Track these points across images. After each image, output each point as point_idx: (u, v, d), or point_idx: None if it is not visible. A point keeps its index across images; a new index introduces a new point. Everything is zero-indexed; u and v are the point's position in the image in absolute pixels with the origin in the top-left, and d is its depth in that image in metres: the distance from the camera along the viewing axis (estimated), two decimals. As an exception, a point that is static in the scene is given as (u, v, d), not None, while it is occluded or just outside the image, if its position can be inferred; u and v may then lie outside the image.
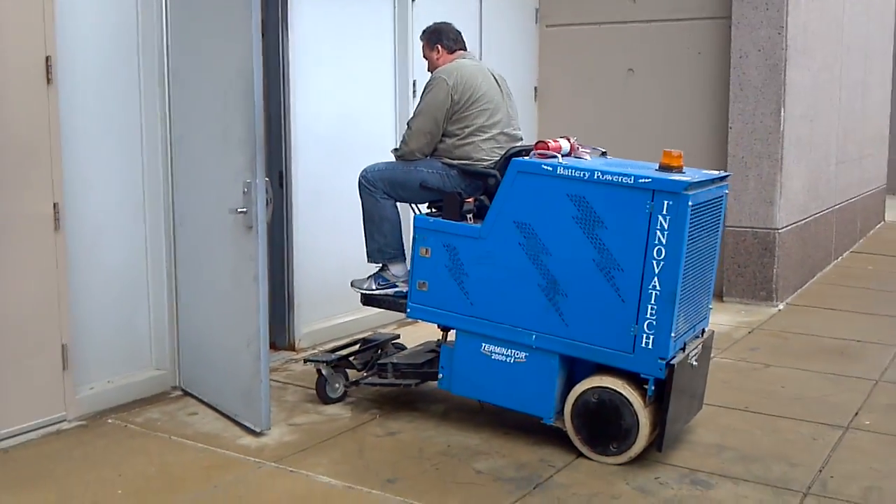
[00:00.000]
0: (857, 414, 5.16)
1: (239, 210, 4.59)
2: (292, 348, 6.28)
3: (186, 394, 5.35)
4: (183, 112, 5.18)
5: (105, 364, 5.16)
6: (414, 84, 7.22)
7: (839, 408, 5.25)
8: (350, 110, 6.76)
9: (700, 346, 4.70)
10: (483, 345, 4.73)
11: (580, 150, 4.80)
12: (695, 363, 4.60)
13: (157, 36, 5.22)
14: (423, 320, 5.02)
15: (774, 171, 7.82)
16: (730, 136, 7.96)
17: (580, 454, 4.49)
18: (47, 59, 4.59)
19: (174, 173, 5.30)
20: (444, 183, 5.01)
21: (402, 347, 5.62)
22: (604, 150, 5.08)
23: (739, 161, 7.92)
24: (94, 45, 5.00)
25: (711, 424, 4.96)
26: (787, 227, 8.05)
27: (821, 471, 4.36)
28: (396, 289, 5.17)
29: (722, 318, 7.45)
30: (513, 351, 4.66)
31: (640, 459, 4.43)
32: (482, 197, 4.94)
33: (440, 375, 4.91)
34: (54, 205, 4.67)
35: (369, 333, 6.00)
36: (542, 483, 4.19)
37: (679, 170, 4.39)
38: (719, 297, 8.10)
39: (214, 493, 4.05)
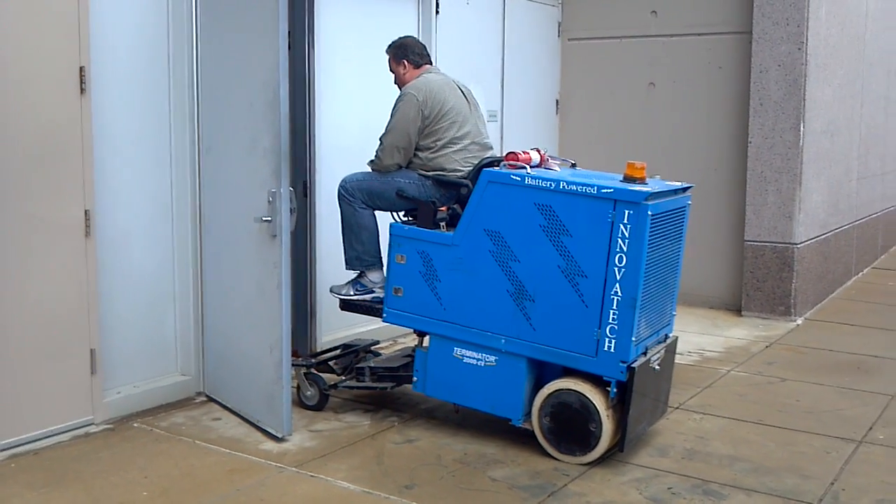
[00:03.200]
0: (871, 428, 5.20)
1: (264, 219, 4.70)
2: (313, 356, 6.37)
3: (210, 399, 5.46)
4: (211, 122, 5.30)
5: (132, 369, 5.29)
6: (436, 96, 7.32)
7: (854, 422, 5.30)
8: (373, 121, 6.81)
9: (663, 351, 4.87)
10: (455, 349, 4.92)
11: (550, 161, 4.99)
12: (657, 367, 4.77)
13: (188, 47, 5.35)
14: (398, 325, 5.20)
15: (794, 185, 7.86)
16: (749, 150, 8.00)
17: (594, 464, 4.56)
18: (81, 69, 4.73)
19: (202, 181, 5.42)
20: (419, 192, 5.18)
21: (377, 354, 5.78)
22: (573, 162, 5.31)
23: (759, 175, 7.96)
24: (126, 56, 5.15)
25: (726, 436, 5.02)
26: (806, 241, 8.08)
27: (833, 483, 4.41)
28: (374, 294, 5.35)
29: (740, 333, 7.51)
30: (483, 354, 4.84)
31: (653, 470, 4.51)
32: (455, 206, 5.13)
33: (415, 379, 5.10)
34: (85, 211, 4.80)
35: (351, 340, 6.14)
36: (556, 492, 4.26)
37: (642, 181, 4.56)
38: (738, 311, 8.15)
39: (237, 496, 4.14)
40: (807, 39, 7.74)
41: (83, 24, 4.72)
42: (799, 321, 7.93)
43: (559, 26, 8.99)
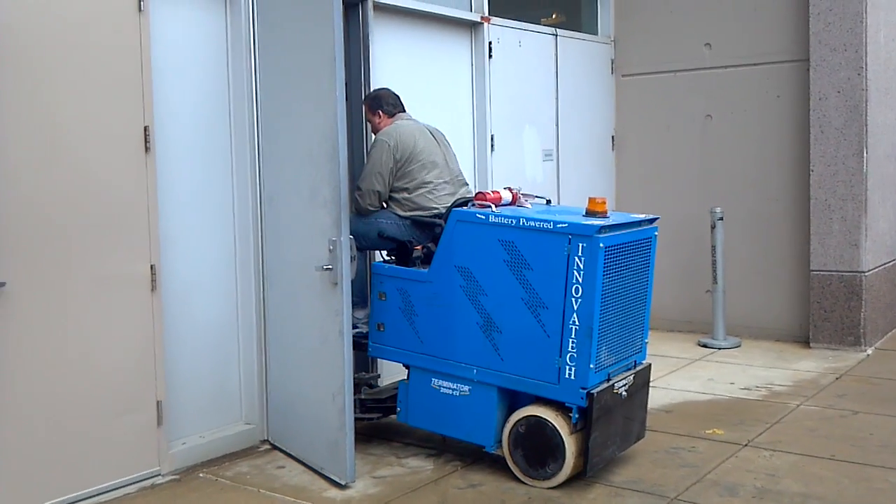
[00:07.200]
0: (949, 462, 5.05)
1: (325, 267, 4.77)
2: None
3: (274, 447, 5.50)
4: (272, 173, 5.40)
5: (197, 419, 5.36)
6: (492, 139, 7.37)
7: (930, 456, 5.15)
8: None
9: (632, 378, 4.97)
10: (433, 380, 5.15)
11: (523, 199, 5.17)
12: (624, 393, 4.84)
13: (248, 103, 5.47)
14: (382, 358, 5.41)
15: (859, 212, 7.72)
16: (812, 179, 7.89)
17: (662, 505, 4.50)
18: (145, 128, 4.86)
19: (264, 232, 5.52)
20: (399, 232, 5.44)
21: (375, 387, 5.93)
22: (548, 199, 5.49)
23: (823, 204, 7.84)
24: (189, 114, 5.28)
25: (797, 473, 4.91)
26: (873, 269, 7.91)
27: (910, 522, 4.29)
28: (358, 329, 5.53)
29: (808, 365, 7.36)
30: (458, 385, 5.07)
31: (723, 511, 4.42)
32: (430, 244, 5.33)
33: (398, 409, 5.32)
34: (151, 266, 4.90)
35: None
36: (623, 535, 4.20)
37: (603, 215, 4.72)
38: (806, 342, 7.99)
39: (303, 544, 4.16)
40: (866, 64, 7.64)
41: (146, 86, 4.86)
42: (869, 351, 7.75)
43: (612, 63, 8.99)
